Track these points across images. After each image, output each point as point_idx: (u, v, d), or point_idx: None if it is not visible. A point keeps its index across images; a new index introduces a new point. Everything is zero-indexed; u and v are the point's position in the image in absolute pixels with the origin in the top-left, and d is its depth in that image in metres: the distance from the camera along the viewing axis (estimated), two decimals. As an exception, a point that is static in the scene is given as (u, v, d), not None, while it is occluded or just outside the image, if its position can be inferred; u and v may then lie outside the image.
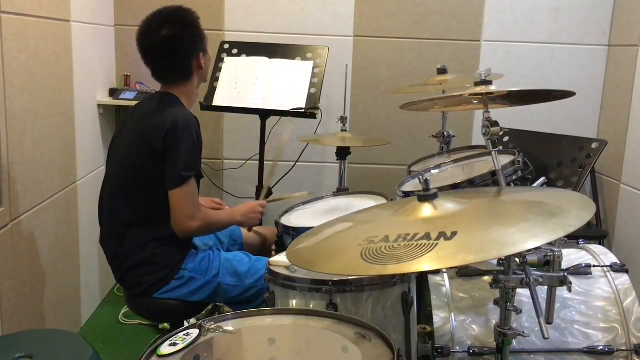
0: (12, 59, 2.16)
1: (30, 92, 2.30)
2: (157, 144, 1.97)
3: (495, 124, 1.57)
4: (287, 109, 2.82)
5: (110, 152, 2.20)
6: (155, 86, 2.20)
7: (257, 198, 2.79)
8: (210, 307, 2.82)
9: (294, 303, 1.64)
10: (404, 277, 1.66)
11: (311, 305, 1.61)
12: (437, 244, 1.10)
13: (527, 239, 1.09)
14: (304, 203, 2.50)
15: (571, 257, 1.82)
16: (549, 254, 1.34)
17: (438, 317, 1.68)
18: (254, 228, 2.55)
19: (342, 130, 2.84)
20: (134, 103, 2.29)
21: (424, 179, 1.30)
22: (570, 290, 1.47)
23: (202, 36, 2.13)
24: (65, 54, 2.67)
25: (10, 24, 2.15)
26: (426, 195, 1.29)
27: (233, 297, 2.12)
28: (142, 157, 2.01)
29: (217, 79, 2.94)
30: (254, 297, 2.12)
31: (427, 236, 1.14)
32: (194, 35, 2.09)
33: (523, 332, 1.39)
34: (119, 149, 2.14)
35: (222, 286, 2.10)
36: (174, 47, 2.06)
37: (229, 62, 2.97)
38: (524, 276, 1.31)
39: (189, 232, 2.05)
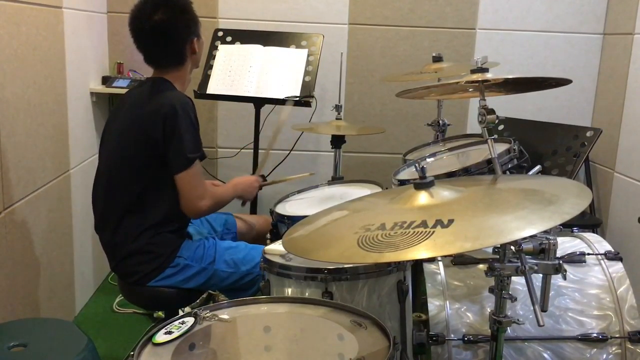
0: (4, 46, 2.13)
1: (22, 79, 2.28)
2: (155, 130, 1.96)
3: (492, 111, 1.57)
4: (281, 97, 2.81)
5: (102, 140, 2.18)
6: (149, 74, 2.17)
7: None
8: (204, 295, 2.83)
9: (289, 291, 1.64)
10: (400, 265, 1.66)
11: (306, 294, 1.61)
12: (434, 231, 1.10)
13: (523, 226, 1.09)
14: (299, 192, 2.50)
15: (565, 245, 1.83)
16: (544, 242, 1.34)
17: (433, 305, 1.69)
18: (247, 218, 2.55)
19: (336, 119, 2.83)
20: (126, 91, 2.27)
21: (421, 166, 1.30)
22: (564, 278, 1.47)
23: (196, 20, 2.11)
24: (57, 41, 2.64)
25: (2, 10, 2.13)
26: (423, 183, 1.29)
27: (228, 284, 2.12)
28: (136, 143, 2.00)
29: (211, 67, 2.92)
30: (249, 285, 2.12)
31: (424, 224, 1.13)
32: (187, 20, 2.07)
33: (518, 320, 1.39)
34: (112, 137, 2.12)
35: (218, 273, 2.10)
36: (168, 31, 2.03)
37: (223, 50, 2.95)
38: (519, 264, 1.31)
39: (201, 212, 2.07)
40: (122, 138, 2.06)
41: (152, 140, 1.97)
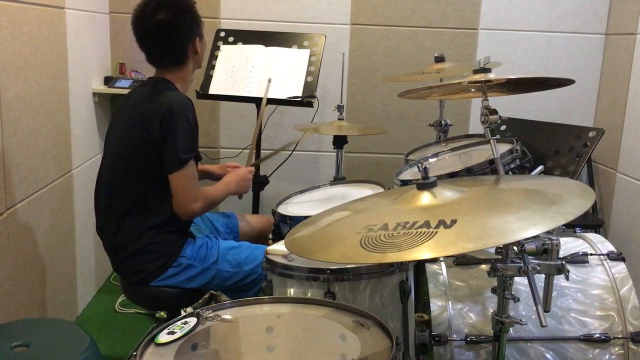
0: (6, 46, 2.14)
1: (24, 79, 2.28)
2: (153, 129, 1.96)
3: (494, 112, 1.57)
4: (283, 97, 2.81)
5: (106, 140, 2.19)
6: (151, 74, 2.18)
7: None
8: (206, 295, 2.83)
9: (291, 292, 1.64)
10: (402, 266, 1.66)
11: (309, 294, 1.61)
12: (436, 232, 1.10)
13: (526, 226, 1.09)
14: (301, 192, 2.50)
15: (568, 245, 1.82)
16: (546, 242, 1.34)
17: (435, 305, 1.68)
18: (249, 218, 2.54)
19: (338, 119, 2.84)
20: (129, 91, 2.27)
21: (423, 167, 1.30)
22: (567, 278, 1.47)
23: (199, 21, 2.11)
24: (60, 41, 2.64)
25: (4, 11, 2.13)
26: (425, 184, 1.29)
27: (231, 284, 2.12)
28: (137, 143, 2.00)
29: (213, 67, 2.92)
30: (252, 285, 2.12)
31: (427, 224, 1.13)
32: (190, 20, 2.07)
33: (520, 320, 1.39)
34: (114, 137, 2.13)
35: (220, 273, 2.10)
36: (170, 31, 2.04)
37: (225, 50, 2.95)
38: (522, 264, 1.31)
39: (192, 214, 2.06)
40: (124, 138, 2.06)
41: (151, 139, 1.97)
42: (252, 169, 2.39)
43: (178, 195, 2.00)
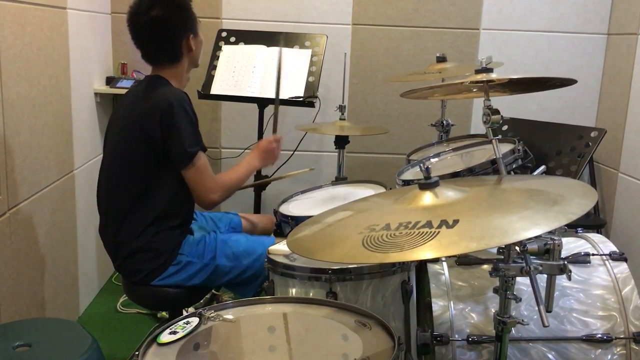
0: (9, 46, 2.14)
1: (26, 79, 2.28)
2: (152, 127, 1.96)
3: (496, 111, 1.57)
4: (285, 97, 2.81)
5: (105, 141, 2.19)
6: (152, 74, 2.18)
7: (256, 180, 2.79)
8: (208, 295, 2.83)
9: (293, 291, 1.64)
10: (404, 266, 1.66)
11: (311, 294, 1.61)
12: (438, 232, 1.10)
13: (529, 226, 1.09)
14: (303, 192, 2.50)
15: (570, 245, 1.82)
16: (548, 242, 1.34)
17: (437, 305, 1.68)
18: (252, 218, 2.54)
19: (340, 119, 2.84)
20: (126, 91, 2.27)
21: (425, 166, 1.30)
22: (569, 278, 1.47)
23: (193, 18, 2.11)
24: (62, 41, 2.65)
25: (6, 11, 2.13)
26: (427, 183, 1.29)
27: (231, 279, 2.11)
28: (135, 142, 2.00)
29: (214, 67, 2.92)
30: (252, 279, 2.11)
31: (429, 224, 1.13)
32: (184, 17, 2.07)
33: (522, 320, 1.39)
34: (112, 137, 2.13)
35: (220, 268, 2.09)
36: (164, 28, 2.04)
37: (226, 50, 2.95)
38: (524, 264, 1.31)
39: (213, 204, 2.08)
40: (121, 137, 2.06)
41: (150, 137, 1.97)
42: (278, 136, 2.37)
43: (195, 189, 2.03)
